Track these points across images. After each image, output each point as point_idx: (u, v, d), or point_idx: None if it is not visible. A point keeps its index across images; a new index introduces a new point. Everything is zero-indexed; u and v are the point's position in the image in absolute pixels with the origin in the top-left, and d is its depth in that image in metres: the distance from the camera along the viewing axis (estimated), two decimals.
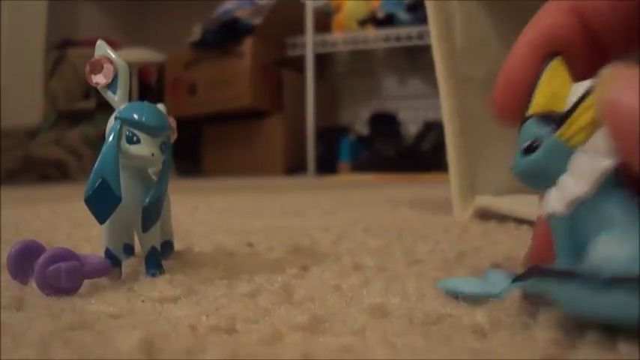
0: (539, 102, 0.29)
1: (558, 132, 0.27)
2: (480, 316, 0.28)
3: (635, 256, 0.23)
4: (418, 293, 0.34)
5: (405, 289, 0.35)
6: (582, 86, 0.28)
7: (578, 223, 0.27)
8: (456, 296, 0.32)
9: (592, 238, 0.26)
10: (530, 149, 0.28)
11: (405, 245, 0.52)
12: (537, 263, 0.30)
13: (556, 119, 0.28)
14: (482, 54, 0.75)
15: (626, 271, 0.22)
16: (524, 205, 0.66)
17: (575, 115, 0.27)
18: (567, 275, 0.24)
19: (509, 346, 0.24)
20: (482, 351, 0.24)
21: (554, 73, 0.29)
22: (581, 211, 0.27)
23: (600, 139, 0.25)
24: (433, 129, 2.57)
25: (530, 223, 0.63)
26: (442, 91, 0.75)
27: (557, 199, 0.28)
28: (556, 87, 0.29)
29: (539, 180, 0.29)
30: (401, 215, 0.81)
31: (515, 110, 0.30)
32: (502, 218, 0.68)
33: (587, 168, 0.26)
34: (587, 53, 0.31)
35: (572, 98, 0.28)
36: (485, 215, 0.71)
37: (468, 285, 0.33)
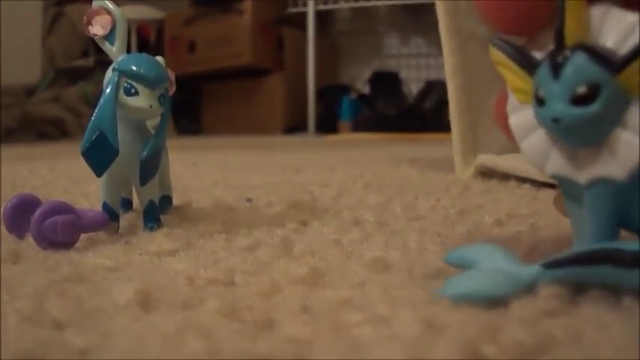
0: (575, 28, 0.24)
1: (622, 76, 0.22)
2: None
3: None
4: (419, 248, 0.33)
5: (406, 244, 0.34)
6: (604, 14, 0.23)
7: (628, 192, 0.23)
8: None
9: None
10: (587, 97, 0.23)
11: (405, 201, 0.51)
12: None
13: (614, 58, 0.23)
14: None
15: None
16: (526, 163, 0.65)
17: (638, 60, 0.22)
18: (618, 257, 0.21)
19: (509, 300, 0.24)
20: (483, 305, 0.24)
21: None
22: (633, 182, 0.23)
23: None
24: (435, 88, 2.56)
25: (532, 181, 0.62)
26: (445, 48, 0.74)
27: (616, 161, 0.23)
28: (582, 12, 0.24)
29: (591, 135, 0.24)
30: (402, 173, 0.80)
31: (512, 20, 0.26)
32: (504, 177, 0.68)
33: None
34: None
35: (606, 33, 0.23)
36: (486, 174, 0.70)
37: (484, 283, 0.24)
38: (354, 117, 2.55)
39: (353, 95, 2.78)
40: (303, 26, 2.70)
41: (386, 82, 2.68)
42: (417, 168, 0.86)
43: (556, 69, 0.24)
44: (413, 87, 2.82)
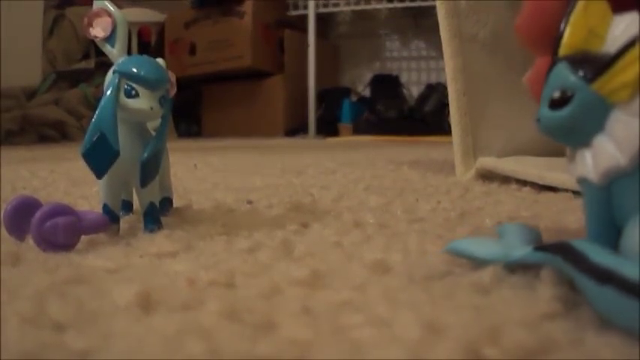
0: (571, 41, 0.25)
1: (596, 83, 0.23)
2: (482, 273, 0.27)
3: None
4: (419, 250, 0.33)
5: (407, 246, 0.34)
6: (629, 23, 0.23)
7: (615, 194, 0.24)
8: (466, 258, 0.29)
9: (629, 216, 0.23)
10: (560, 102, 0.24)
11: (406, 204, 0.51)
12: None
13: (594, 66, 0.23)
14: (486, 13, 0.74)
15: None
16: (526, 166, 0.65)
17: (619, 65, 0.22)
18: (602, 275, 0.21)
19: (511, 302, 0.24)
20: (484, 307, 0.24)
21: (591, 4, 0.24)
22: (620, 182, 0.23)
23: None
24: (435, 91, 2.56)
25: (532, 184, 0.62)
26: (446, 50, 0.74)
27: (592, 164, 0.24)
28: (593, 21, 0.24)
29: (570, 137, 0.25)
30: (402, 175, 0.80)
31: (544, 42, 0.26)
32: (504, 179, 0.68)
33: (630, 134, 0.22)
34: None
35: (615, 40, 0.23)
36: (487, 176, 0.70)
37: (481, 247, 0.29)
38: (355, 119, 2.55)
39: (353, 98, 2.78)
40: (303, 29, 2.70)
41: (386, 85, 2.68)
42: (418, 170, 0.86)
43: (547, 75, 0.25)
44: (413, 90, 2.82)
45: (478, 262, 0.28)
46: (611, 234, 0.24)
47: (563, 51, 0.25)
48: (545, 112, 0.25)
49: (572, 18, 0.25)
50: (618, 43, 0.23)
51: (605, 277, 0.20)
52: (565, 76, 0.24)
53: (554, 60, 0.25)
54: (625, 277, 0.20)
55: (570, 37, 0.25)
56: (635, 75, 0.22)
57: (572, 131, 0.25)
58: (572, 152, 0.26)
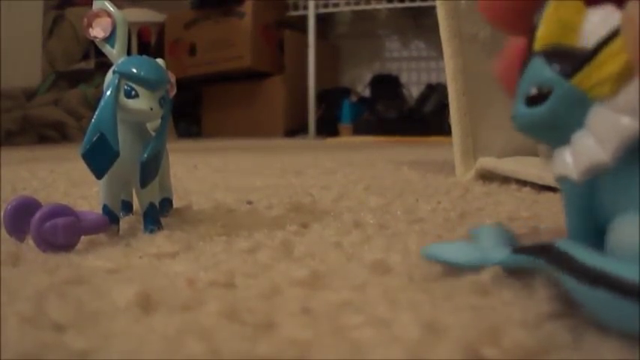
0: (545, 34, 0.24)
1: (576, 78, 0.22)
2: (482, 274, 0.27)
3: None
4: (419, 251, 0.33)
5: (407, 247, 0.34)
6: (605, 17, 0.23)
7: (597, 191, 0.23)
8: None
9: (615, 214, 0.22)
10: (538, 98, 0.24)
11: (406, 204, 0.51)
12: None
13: (572, 60, 0.23)
14: None
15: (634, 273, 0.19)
16: (526, 166, 0.65)
17: (599, 59, 0.22)
18: (592, 276, 0.20)
19: (511, 303, 0.24)
20: (484, 307, 0.24)
21: None
22: (602, 179, 0.23)
23: (631, 95, 0.21)
24: (436, 91, 2.56)
25: (532, 184, 0.62)
26: (446, 50, 0.74)
27: (572, 161, 0.23)
28: (567, 14, 0.24)
29: (548, 134, 0.24)
30: (402, 175, 0.80)
31: (511, 19, 0.26)
32: (504, 180, 0.68)
33: (612, 129, 0.21)
34: None
35: (590, 34, 0.23)
36: (487, 177, 0.70)
37: (459, 252, 0.28)
38: (355, 120, 2.55)
39: (353, 98, 2.78)
40: (303, 29, 2.70)
41: (386, 85, 2.69)
42: (418, 171, 0.86)
43: (522, 71, 0.25)
44: (413, 90, 2.83)
45: (457, 268, 0.28)
46: (592, 233, 0.24)
47: (538, 45, 0.24)
48: (522, 109, 0.24)
49: (546, 11, 0.24)
50: (594, 37, 0.23)
51: (596, 278, 0.20)
52: (542, 71, 0.24)
53: (529, 55, 0.24)
54: (618, 278, 0.19)
55: (544, 31, 0.24)
56: (617, 68, 0.21)
57: (550, 128, 0.24)
58: (549, 150, 0.25)
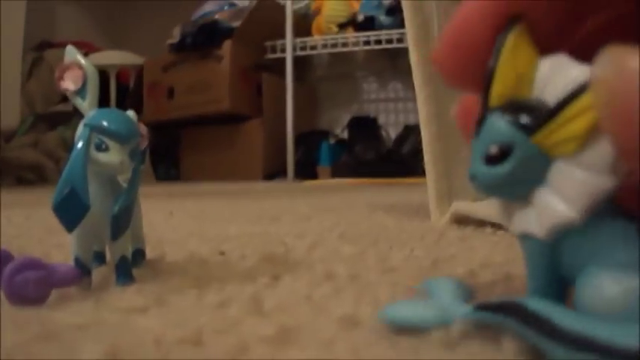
0: (501, 90, 0.23)
1: (537, 136, 0.22)
2: (451, 327, 0.27)
3: (635, 305, 0.20)
4: (390, 302, 0.33)
5: (377, 298, 0.34)
6: (555, 66, 0.22)
7: (561, 248, 0.23)
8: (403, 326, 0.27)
9: (580, 269, 0.22)
10: (498, 157, 0.23)
11: (380, 252, 0.51)
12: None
13: (532, 116, 0.22)
14: None
15: (624, 337, 0.18)
16: None
17: (564, 115, 0.21)
18: (578, 342, 0.19)
19: (477, 357, 0.24)
20: None
21: (517, 48, 0.23)
22: (567, 236, 0.23)
23: (601, 153, 0.21)
24: (413, 132, 2.58)
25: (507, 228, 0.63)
26: (419, 96, 0.74)
27: (536, 220, 0.23)
28: (521, 65, 0.23)
29: (509, 192, 0.24)
30: (378, 220, 0.80)
31: (465, 78, 0.25)
32: (479, 223, 0.68)
33: (579, 188, 0.21)
34: (556, 17, 0.24)
35: (541, 83, 0.23)
36: (462, 220, 0.71)
37: (416, 311, 0.27)
38: (333, 162, 2.56)
39: (332, 140, 2.80)
40: (281, 72, 2.72)
41: (364, 127, 2.71)
42: (394, 215, 0.86)
43: (478, 128, 0.24)
44: (391, 131, 2.85)
45: (417, 329, 0.27)
46: (554, 289, 0.24)
47: (494, 102, 0.24)
48: (482, 168, 0.24)
49: (500, 65, 0.23)
50: (548, 87, 0.22)
51: (583, 344, 0.19)
52: (500, 128, 0.23)
53: (485, 111, 0.24)
54: (609, 344, 0.19)
55: (500, 86, 0.23)
56: (585, 126, 0.21)
57: (511, 187, 0.24)
58: (507, 205, 0.25)
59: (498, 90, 0.23)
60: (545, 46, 0.23)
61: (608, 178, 0.21)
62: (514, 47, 0.23)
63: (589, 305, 0.22)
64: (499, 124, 0.23)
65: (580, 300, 0.22)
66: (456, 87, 0.26)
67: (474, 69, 0.24)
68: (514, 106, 0.23)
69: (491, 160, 0.23)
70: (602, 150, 0.21)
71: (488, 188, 0.24)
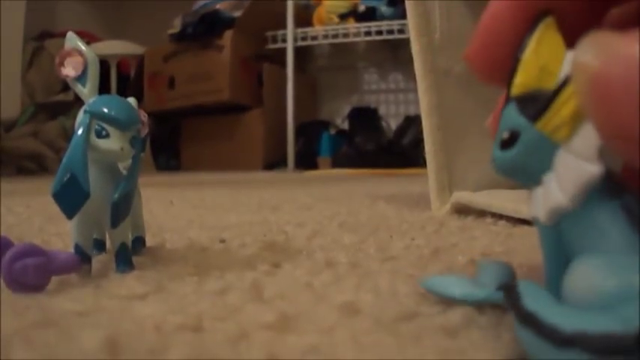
0: (523, 81, 0.24)
1: (540, 122, 0.23)
2: (452, 314, 0.27)
3: (626, 293, 0.19)
4: (390, 290, 0.33)
5: (377, 286, 0.34)
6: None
7: (563, 233, 0.23)
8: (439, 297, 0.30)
9: (576, 255, 0.22)
10: (508, 142, 0.24)
11: (380, 241, 0.51)
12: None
13: (538, 104, 0.23)
14: (461, 48, 0.74)
15: (606, 327, 0.18)
16: (502, 200, 0.66)
17: (558, 101, 0.22)
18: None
19: (479, 345, 0.24)
20: (452, 350, 0.24)
21: (543, 40, 0.24)
22: (565, 222, 0.23)
23: (585, 138, 0.21)
24: (414, 123, 2.57)
25: (508, 218, 0.63)
26: (420, 86, 0.74)
27: (541, 203, 0.24)
28: (545, 58, 0.24)
29: (523, 176, 0.24)
30: (378, 210, 0.80)
31: (495, 74, 0.26)
32: (480, 213, 0.68)
33: (569, 174, 0.22)
34: (586, 11, 0.25)
35: (562, 76, 0.23)
36: (463, 210, 0.71)
37: (453, 285, 0.29)
38: (334, 152, 2.56)
39: (332, 131, 2.79)
40: (282, 62, 2.72)
41: (365, 118, 2.70)
42: (394, 205, 0.86)
43: (500, 116, 0.25)
44: (392, 122, 2.84)
45: (449, 300, 0.29)
46: (565, 270, 0.23)
47: (514, 91, 0.24)
48: (497, 152, 0.25)
49: (524, 56, 0.24)
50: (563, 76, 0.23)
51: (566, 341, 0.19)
52: (513, 116, 0.24)
53: (506, 100, 0.25)
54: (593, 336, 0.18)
55: (521, 77, 0.24)
56: (570, 112, 0.21)
57: (522, 171, 0.24)
58: (529, 190, 0.25)
59: (521, 80, 0.24)
60: (575, 40, 0.23)
61: (594, 165, 0.21)
62: (540, 39, 0.24)
63: (570, 291, 0.22)
64: (511, 112, 0.24)
65: (565, 286, 0.22)
66: (489, 83, 0.27)
67: (504, 65, 0.25)
68: (528, 96, 0.24)
69: (504, 144, 0.24)
70: (588, 136, 0.21)
71: (502, 171, 0.25)
